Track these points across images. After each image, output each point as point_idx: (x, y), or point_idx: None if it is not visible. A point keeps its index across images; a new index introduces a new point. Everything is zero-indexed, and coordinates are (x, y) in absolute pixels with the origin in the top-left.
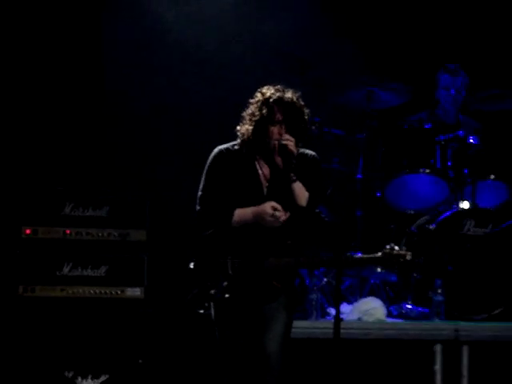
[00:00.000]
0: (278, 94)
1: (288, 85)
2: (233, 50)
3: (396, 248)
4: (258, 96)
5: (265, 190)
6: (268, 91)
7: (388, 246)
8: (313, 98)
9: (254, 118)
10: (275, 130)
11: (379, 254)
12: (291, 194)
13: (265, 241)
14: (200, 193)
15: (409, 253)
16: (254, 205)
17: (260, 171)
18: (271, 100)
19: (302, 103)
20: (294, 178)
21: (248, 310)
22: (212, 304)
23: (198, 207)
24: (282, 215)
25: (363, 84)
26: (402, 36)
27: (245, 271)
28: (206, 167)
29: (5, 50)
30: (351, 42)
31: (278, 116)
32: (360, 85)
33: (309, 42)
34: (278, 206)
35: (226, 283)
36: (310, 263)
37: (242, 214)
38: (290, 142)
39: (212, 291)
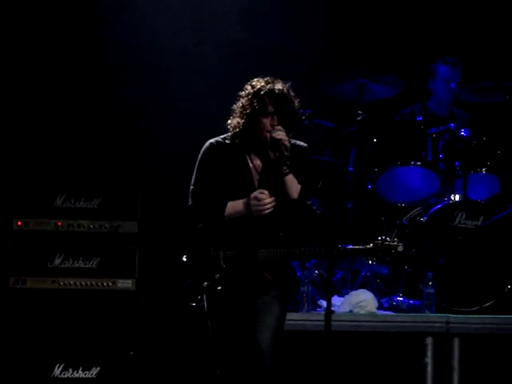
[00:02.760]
0: (268, 86)
1: (279, 77)
2: (223, 43)
3: (387, 240)
4: (248, 89)
5: (256, 182)
6: (258, 83)
7: (379, 238)
8: (304, 90)
9: (244, 111)
10: (267, 122)
11: (370, 245)
12: (283, 186)
13: (257, 233)
14: (192, 187)
15: (400, 244)
16: (245, 197)
17: (251, 164)
18: (262, 92)
19: (293, 94)
20: (287, 170)
21: (240, 302)
22: (204, 296)
23: (190, 201)
24: (266, 198)
25: (355, 76)
26: (393, 28)
27: (237, 263)
28: (198, 161)
29: None
30: (343, 33)
31: (270, 108)
32: (351, 77)
33: (300, 34)
34: (265, 191)
35: (218, 275)
36: (302, 255)
37: (234, 206)
38: (283, 135)
39: (204, 284)
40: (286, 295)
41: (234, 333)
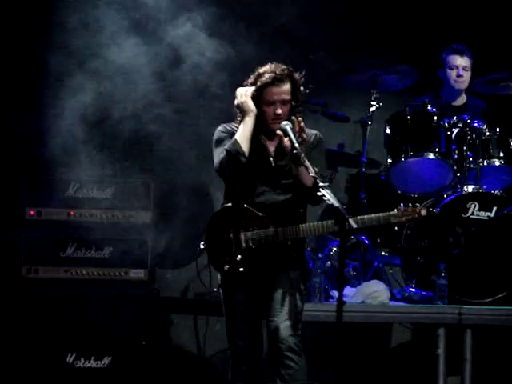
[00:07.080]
0: (271, 75)
1: (292, 66)
2: (238, 31)
3: (409, 205)
4: (254, 76)
5: (272, 160)
6: (266, 73)
7: (402, 204)
8: (318, 81)
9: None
10: (269, 110)
11: (394, 211)
12: (297, 174)
13: (276, 211)
14: (216, 162)
15: (424, 208)
16: (263, 174)
17: (265, 143)
18: (264, 80)
19: (301, 83)
20: (299, 161)
21: (261, 282)
22: (220, 289)
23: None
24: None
25: (368, 67)
26: (406, 17)
27: (258, 243)
28: (214, 141)
29: None
30: (356, 23)
31: (270, 97)
32: (365, 67)
33: (313, 24)
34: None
35: (240, 257)
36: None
37: (238, 131)
38: (302, 126)
39: (226, 267)
40: (303, 277)
41: (251, 322)
